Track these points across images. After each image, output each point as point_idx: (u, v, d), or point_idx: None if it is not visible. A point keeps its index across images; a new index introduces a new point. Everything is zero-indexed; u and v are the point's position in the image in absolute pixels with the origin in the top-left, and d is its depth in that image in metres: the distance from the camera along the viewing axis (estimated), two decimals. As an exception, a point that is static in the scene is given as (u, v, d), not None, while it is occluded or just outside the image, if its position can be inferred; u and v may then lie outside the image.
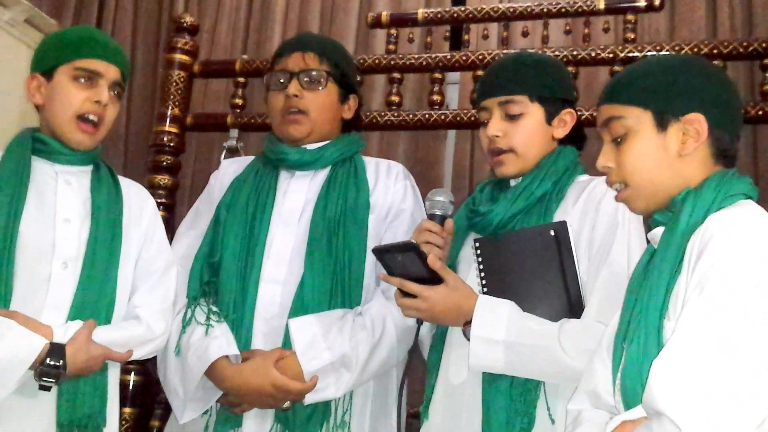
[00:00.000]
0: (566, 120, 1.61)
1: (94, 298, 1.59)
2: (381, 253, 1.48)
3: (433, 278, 1.46)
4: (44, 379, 1.47)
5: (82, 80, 1.64)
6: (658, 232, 1.17)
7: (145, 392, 2.43)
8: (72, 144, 1.67)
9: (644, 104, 1.18)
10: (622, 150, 1.20)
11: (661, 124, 1.17)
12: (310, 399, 1.61)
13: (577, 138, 1.65)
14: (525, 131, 1.56)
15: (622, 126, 1.20)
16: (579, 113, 2.28)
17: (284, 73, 1.81)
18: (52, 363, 1.48)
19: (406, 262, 1.45)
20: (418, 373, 1.86)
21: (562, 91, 1.62)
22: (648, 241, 1.23)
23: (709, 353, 0.96)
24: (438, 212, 1.55)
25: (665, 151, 1.17)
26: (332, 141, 1.85)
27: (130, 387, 2.39)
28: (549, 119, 1.59)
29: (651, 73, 1.21)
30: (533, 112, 1.57)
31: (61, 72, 1.65)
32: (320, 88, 1.80)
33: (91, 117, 1.64)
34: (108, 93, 1.66)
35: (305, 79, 1.79)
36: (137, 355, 1.64)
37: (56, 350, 1.49)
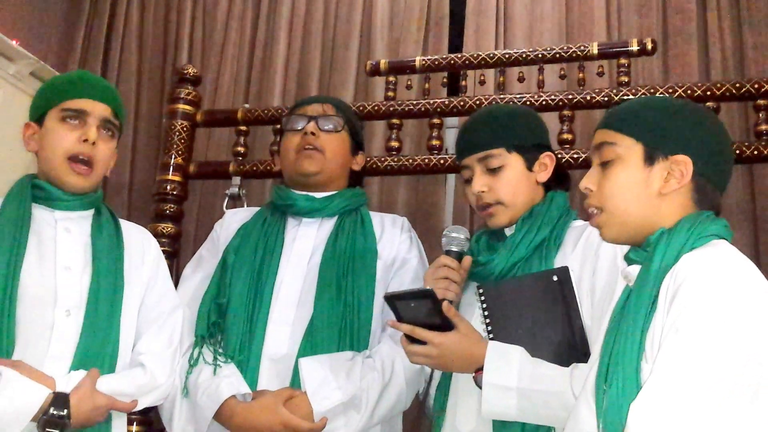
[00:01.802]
0: (546, 163, 1.66)
1: (98, 346, 1.57)
2: (393, 299, 1.47)
3: (442, 325, 1.46)
4: (48, 430, 1.45)
5: (70, 120, 1.64)
6: (631, 270, 1.19)
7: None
8: (67, 187, 1.65)
9: (638, 136, 1.21)
10: (607, 175, 1.23)
11: (650, 158, 1.20)
12: None
13: (560, 179, 1.69)
14: (508, 182, 1.60)
15: (612, 152, 1.23)
16: (575, 155, 2.33)
17: (303, 117, 1.90)
18: (56, 413, 1.45)
19: (417, 309, 1.45)
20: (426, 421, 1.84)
21: (537, 137, 1.67)
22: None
23: (686, 396, 0.97)
24: (454, 248, 1.59)
25: (647, 185, 1.19)
26: (340, 191, 1.91)
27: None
28: (529, 166, 1.63)
29: (652, 109, 1.24)
30: (513, 163, 1.61)
31: (50, 116, 1.66)
32: (336, 132, 1.89)
33: (81, 157, 1.63)
34: (96, 131, 1.64)
35: (323, 124, 1.89)
36: (142, 404, 1.62)
37: (60, 399, 1.47)
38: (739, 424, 0.95)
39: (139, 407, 1.61)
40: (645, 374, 1.05)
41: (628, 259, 1.22)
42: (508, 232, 1.63)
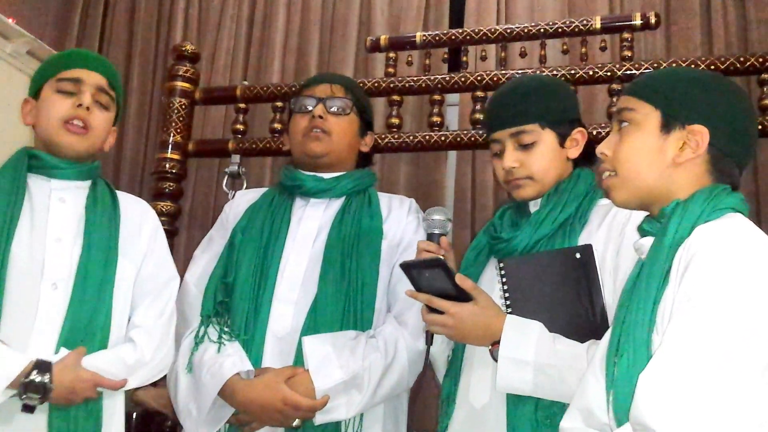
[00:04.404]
0: (578, 139, 1.63)
1: (87, 320, 1.54)
2: (408, 268, 1.48)
3: (460, 296, 1.46)
4: (29, 394, 1.40)
5: (66, 89, 1.66)
6: (644, 242, 1.19)
7: (149, 421, 2.41)
8: (64, 149, 1.65)
9: (656, 103, 1.21)
10: (622, 139, 1.23)
11: (666, 126, 1.19)
12: (320, 419, 1.61)
13: (589, 155, 1.63)
14: (541, 158, 1.58)
15: (631, 118, 1.23)
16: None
17: (311, 98, 1.90)
18: (37, 379, 1.41)
19: (433, 279, 1.45)
20: (434, 395, 1.85)
21: (570, 112, 1.64)
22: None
23: (696, 367, 0.96)
24: (437, 231, 1.58)
25: (661, 153, 1.19)
26: (348, 172, 1.91)
27: (134, 417, 2.37)
28: (562, 142, 1.60)
29: (674, 78, 1.24)
30: (546, 139, 1.58)
31: (46, 88, 1.68)
32: (344, 114, 1.89)
33: (76, 122, 1.64)
34: (90, 97, 1.66)
35: (331, 106, 1.88)
36: (133, 383, 1.59)
37: (43, 365, 1.43)
38: (747, 397, 0.95)
39: (130, 386, 1.59)
40: (655, 347, 1.04)
41: (642, 230, 1.21)
42: (532, 208, 1.61)
